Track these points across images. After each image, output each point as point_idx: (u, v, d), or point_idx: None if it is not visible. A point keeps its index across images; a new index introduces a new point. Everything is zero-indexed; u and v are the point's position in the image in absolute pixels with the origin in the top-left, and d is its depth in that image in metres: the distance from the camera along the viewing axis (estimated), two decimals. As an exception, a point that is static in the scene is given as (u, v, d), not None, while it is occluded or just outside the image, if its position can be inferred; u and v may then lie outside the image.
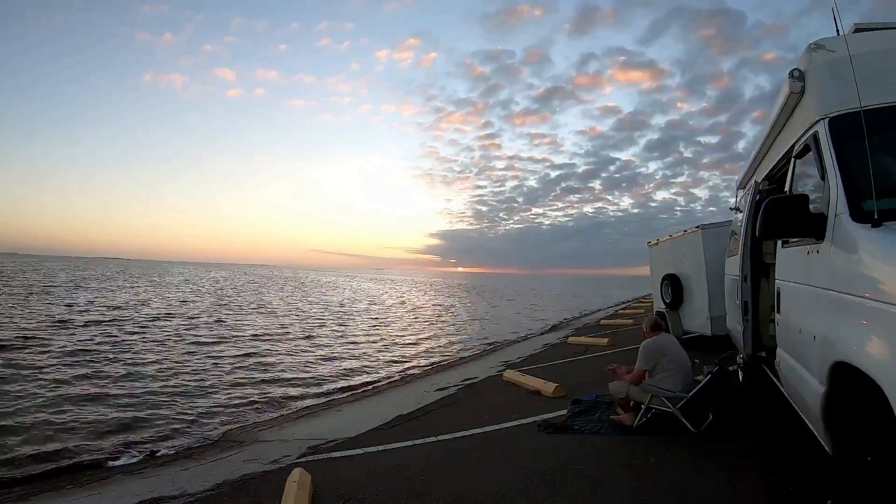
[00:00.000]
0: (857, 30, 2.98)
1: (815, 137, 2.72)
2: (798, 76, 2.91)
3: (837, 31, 2.75)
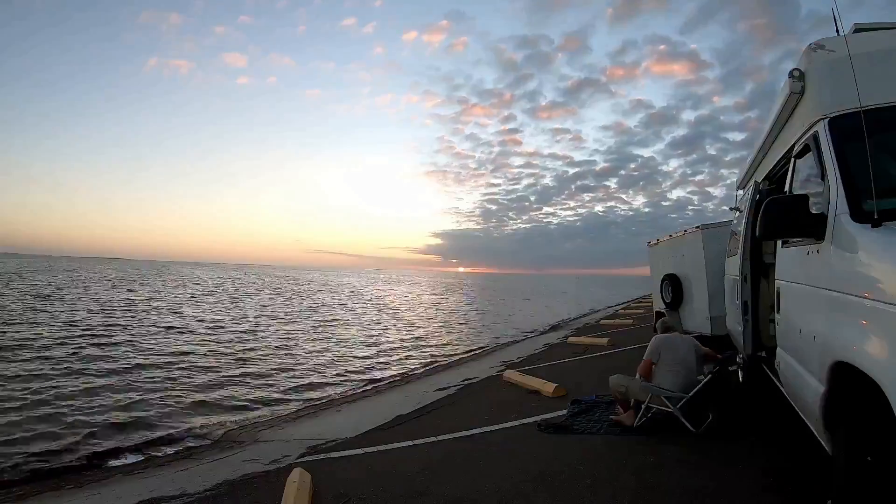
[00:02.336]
0: (857, 30, 2.98)
1: (815, 137, 2.72)
2: (798, 76, 2.91)
3: (837, 31, 2.75)
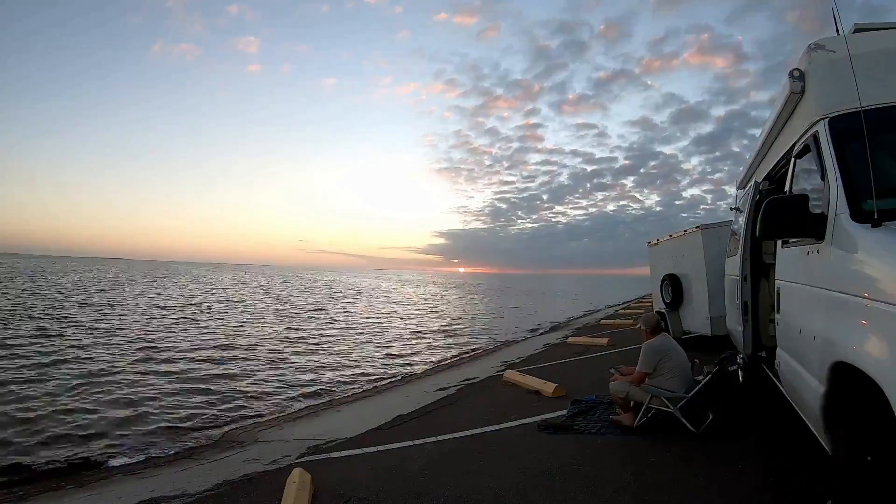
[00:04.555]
0: (857, 30, 2.98)
1: (816, 137, 2.72)
2: (798, 76, 2.91)
3: (837, 31, 2.75)
